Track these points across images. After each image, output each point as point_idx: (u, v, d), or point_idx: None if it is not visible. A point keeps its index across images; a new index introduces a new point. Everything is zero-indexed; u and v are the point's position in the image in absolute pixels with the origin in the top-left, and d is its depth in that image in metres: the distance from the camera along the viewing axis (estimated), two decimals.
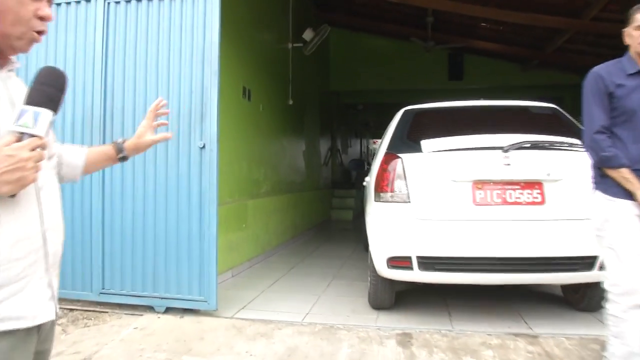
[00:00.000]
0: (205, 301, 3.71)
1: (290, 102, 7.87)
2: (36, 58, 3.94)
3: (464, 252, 3.26)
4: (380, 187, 3.50)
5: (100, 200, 3.90)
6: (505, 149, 3.32)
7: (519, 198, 3.27)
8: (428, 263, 3.31)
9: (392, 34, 11.02)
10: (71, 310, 3.96)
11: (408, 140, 3.61)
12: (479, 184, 3.31)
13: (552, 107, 3.87)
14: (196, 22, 3.75)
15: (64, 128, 3.98)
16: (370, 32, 11.40)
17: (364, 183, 5.45)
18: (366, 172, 6.40)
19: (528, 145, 3.37)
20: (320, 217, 10.44)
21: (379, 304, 3.86)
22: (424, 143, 3.46)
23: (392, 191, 3.42)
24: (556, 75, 10.96)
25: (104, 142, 3.87)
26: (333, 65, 11.92)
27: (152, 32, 3.85)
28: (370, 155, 24.45)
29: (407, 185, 3.38)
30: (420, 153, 3.45)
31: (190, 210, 3.73)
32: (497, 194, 3.29)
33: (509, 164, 3.30)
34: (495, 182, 3.30)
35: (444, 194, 3.33)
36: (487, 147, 3.38)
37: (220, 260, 4.87)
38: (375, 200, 3.56)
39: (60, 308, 4.09)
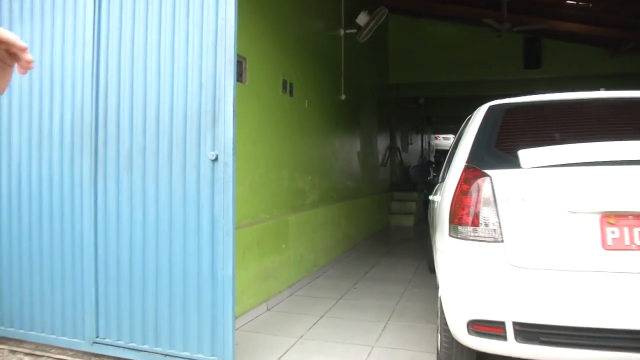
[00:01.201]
0: None
1: (343, 97, 6.87)
2: None
3: (587, 320, 2.16)
4: (458, 218, 2.45)
5: (92, 225, 3.08)
6: None
7: None
8: (530, 332, 2.23)
9: (458, 17, 9.75)
10: None
11: (497, 150, 2.53)
12: (612, 217, 2.19)
13: None
14: None
15: (51, 134, 3.20)
16: (433, 17, 10.17)
17: (430, 197, 4.38)
18: (432, 181, 5.30)
19: None
20: (378, 225, 9.38)
21: None
22: (524, 154, 2.35)
23: (475, 224, 2.36)
24: None
25: (96, 151, 3.05)
26: (392, 55, 10.78)
27: (153, 13, 2.96)
28: (432, 152, 23.04)
29: (499, 217, 2.31)
30: (519, 169, 2.36)
31: (200, 243, 2.83)
32: None
33: None
34: (637, 216, 2.17)
35: (557, 232, 2.24)
36: (624, 160, 2.25)
37: (253, 292, 4.00)
38: (450, 235, 2.50)
39: (49, 357, 3.35)
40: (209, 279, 2.81)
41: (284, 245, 4.71)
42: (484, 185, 2.37)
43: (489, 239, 2.32)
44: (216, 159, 2.78)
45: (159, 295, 2.93)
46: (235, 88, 2.75)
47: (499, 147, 2.54)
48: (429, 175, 5.23)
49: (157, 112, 2.92)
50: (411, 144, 15.44)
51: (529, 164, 2.34)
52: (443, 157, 17.02)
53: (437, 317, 3.04)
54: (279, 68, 4.80)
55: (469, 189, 2.42)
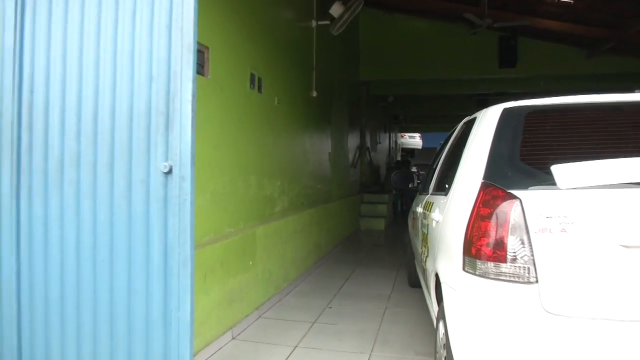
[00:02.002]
0: None
1: (315, 93, 6.34)
2: None
3: None
4: (475, 249, 1.95)
5: (13, 254, 2.44)
6: None
7: None
8: None
9: (434, 12, 9.35)
10: None
11: (524, 164, 2.05)
12: None
13: None
14: None
15: None
16: (407, 12, 9.74)
17: (419, 210, 3.89)
18: (415, 188, 4.84)
19: None
20: (349, 230, 8.89)
21: None
22: (560, 171, 1.88)
23: (501, 260, 1.87)
24: (634, 62, 9.17)
25: (19, 161, 2.42)
26: (363, 51, 10.30)
27: None
28: (399, 151, 22.75)
29: (532, 250, 1.83)
30: (555, 190, 1.88)
31: (149, 278, 2.24)
32: None
33: None
34: None
35: (607, 272, 1.77)
36: None
37: (216, 321, 3.44)
38: (465, 270, 2.01)
39: None
40: (160, 323, 2.23)
41: (251, 262, 4.15)
42: (513, 209, 1.88)
43: (520, 280, 1.84)
44: (170, 172, 2.20)
45: (97, 342, 2.33)
46: (196, 82, 2.17)
47: (525, 161, 2.06)
48: (413, 183, 4.76)
49: (95, 112, 2.31)
50: (380, 143, 15.04)
51: (567, 183, 1.86)
52: (410, 156, 16.76)
53: (433, 351, 2.55)
54: (247, 60, 4.22)
55: (490, 213, 1.93)
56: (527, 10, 8.09)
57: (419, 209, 3.81)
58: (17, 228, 2.46)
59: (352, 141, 10.05)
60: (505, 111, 2.33)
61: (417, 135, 25.53)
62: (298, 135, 5.92)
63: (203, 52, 3.38)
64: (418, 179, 4.97)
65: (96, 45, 2.34)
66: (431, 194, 3.40)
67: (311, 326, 4.04)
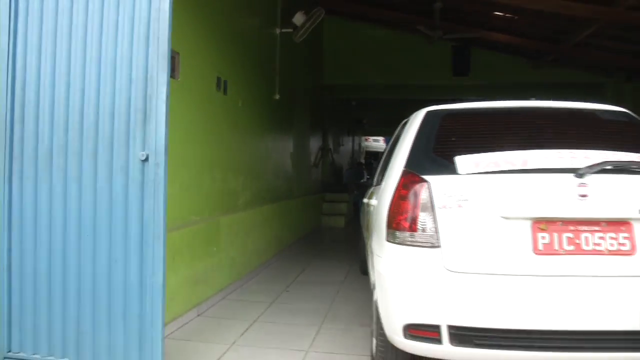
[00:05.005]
0: None
1: (277, 96, 6.79)
2: None
3: (520, 322, 2.22)
4: (395, 223, 2.45)
5: (5, 230, 2.81)
6: (580, 173, 2.29)
7: (599, 245, 2.25)
8: (465, 335, 2.27)
9: (393, 22, 9.96)
10: None
11: (435, 155, 2.56)
12: (543, 223, 2.27)
13: (625, 113, 2.86)
14: None
15: None
16: (369, 21, 10.32)
17: (365, 200, 4.40)
18: (365, 183, 5.34)
19: (611, 167, 2.34)
20: (310, 226, 9.37)
21: None
22: (461, 161, 2.40)
23: (413, 230, 2.37)
24: (572, 73, 9.97)
25: (11, 151, 2.79)
26: (327, 57, 10.82)
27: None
28: (362, 154, 23.42)
29: (436, 223, 2.34)
30: (455, 175, 2.40)
31: (127, 250, 2.65)
32: (569, 238, 2.25)
33: (585, 195, 2.27)
34: (566, 222, 2.27)
35: (491, 237, 2.29)
36: (554, 168, 2.34)
37: (183, 298, 3.84)
38: (387, 240, 2.50)
39: None
40: (136, 287, 2.64)
41: (215, 249, 4.56)
42: (423, 190, 2.38)
43: (427, 244, 2.34)
44: (147, 159, 2.62)
45: (81, 305, 2.72)
46: (169, 84, 2.60)
47: (437, 153, 2.57)
48: (363, 178, 5.27)
49: (82, 108, 2.71)
50: (342, 145, 15.61)
51: (465, 170, 2.38)
52: (373, 159, 17.29)
53: (372, 320, 3.04)
54: (213, 65, 4.65)
55: (407, 194, 2.43)
56: (477, 23, 8.75)
57: (365, 200, 4.31)
58: (9, 209, 2.83)
59: (314, 142, 10.54)
60: (428, 113, 2.84)
61: (381, 139, 26.26)
62: (261, 134, 6.35)
63: (174, 57, 3.78)
64: (368, 175, 5.48)
65: (82, 52, 2.74)
66: (374, 186, 3.90)
67: (269, 306, 4.49)
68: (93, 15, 2.73)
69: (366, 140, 25.27)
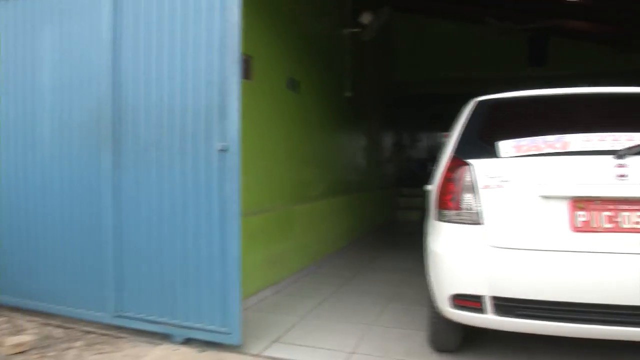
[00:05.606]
0: (229, 333, 3.09)
1: (349, 94, 7.12)
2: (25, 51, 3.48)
3: (557, 295, 2.40)
4: (442, 203, 2.70)
5: (110, 208, 3.39)
6: (619, 154, 2.42)
7: (638, 223, 2.37)
8: (506, 306, 2.49)
9: (463, 16, 9.94)
10: (88, 332, 3.49)
11: (481, 142, 2.77)
12: (581, 202, 2.43)
13: None
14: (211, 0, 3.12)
15: (70, 127, 3.53)
16: (438, 16, 10.37)
17: (426, 187, 4.61)
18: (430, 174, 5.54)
19: None
20: (384, 219, 9.63)
21: (439, 346, 3.08)
22: (503, 145, 2.61)
23: (458, 208, 2.62)
24: None
25: (114, 149, 3.35)
26: (399, 53, 11.00)
27: (164, 15, 3.25)
28: (438, 149, 23.14)
29: (478, 202, 2.57)
30: (498, 158, 2.61)
31: (211, 227, 3.11)
32: (607, 216, 2.40)
33: (624, 175, 2.40)
34: (604, 201, 2.41)
35: (530, 215, 2.49)
36: (593, 150, 2.49)
37: (261, 276, 4.28)
38: (436, 219, 2.76)
39: (79, 330, 3.64)
40: (219, 260, 3.09)
41: (289, 234, 4.98)
42: (466, 172, 2.62)
43: (470, 222, 2.58)
44: (224, 150, 3.05)
45: (175, 273, 3.22)
46: (240, 85, 3.02)
47: (483, 139, 2.78)
48: (426, 169, 5.47)
49: (171, 109, 3.21)
50: (419, 141, 15.64)
51: (507, 153, 2.59)
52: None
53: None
54: (286, 66, 5.06)
55: (452, 176, 2.68)
56: (550, 11, 8.54)
57: (428, 187, 4.53)
58: (115, 192, 3.39)
59: (388, 138, 10.75)
60: (477, 103, 3.05)
61: None
62: (333, 130, 6.72)
63: (248, 61, 4.23)
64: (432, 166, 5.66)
65: (169, 59, 3.23)
66: None
67: (340, 287, 4.84)
68: (175, 32, 3.22)
69: (444, 136, 24.95)
